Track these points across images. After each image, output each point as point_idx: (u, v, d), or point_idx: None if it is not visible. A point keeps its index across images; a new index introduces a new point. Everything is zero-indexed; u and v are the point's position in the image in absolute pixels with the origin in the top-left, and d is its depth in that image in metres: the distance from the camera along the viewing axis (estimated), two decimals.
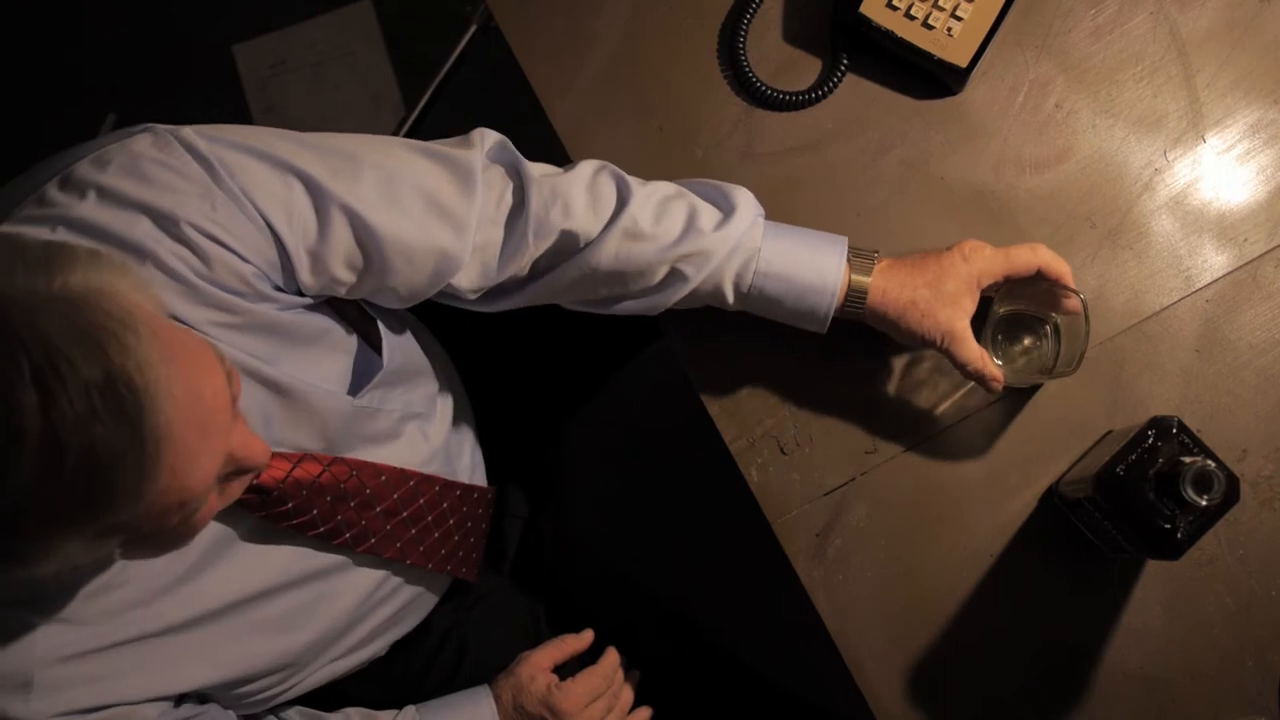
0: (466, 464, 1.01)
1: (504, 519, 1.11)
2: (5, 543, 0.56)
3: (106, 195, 0.70)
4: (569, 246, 0.85)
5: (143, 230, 0.70)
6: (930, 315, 0.85)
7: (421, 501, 0.91)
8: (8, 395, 0.52)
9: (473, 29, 1.67)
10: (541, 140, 1.05)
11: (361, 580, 0.89)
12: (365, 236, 0.79)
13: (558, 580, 1.16)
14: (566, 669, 1.03)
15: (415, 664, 1.04)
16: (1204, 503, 0.74)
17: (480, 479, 1.03)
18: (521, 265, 0.85)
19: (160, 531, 0.62)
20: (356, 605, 0.90)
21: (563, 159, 0.98)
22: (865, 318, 0.87)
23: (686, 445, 1.15)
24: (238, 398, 0.65)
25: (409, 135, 1.74)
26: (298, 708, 0.92)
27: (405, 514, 0.90)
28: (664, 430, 1.66)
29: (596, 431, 1.67)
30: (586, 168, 0.87)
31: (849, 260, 0.86)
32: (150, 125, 0.74)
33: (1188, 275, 0.93)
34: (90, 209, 0.69)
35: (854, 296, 0.86)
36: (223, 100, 1.88)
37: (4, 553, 0.57)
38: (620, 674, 1.05)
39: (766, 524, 0.92)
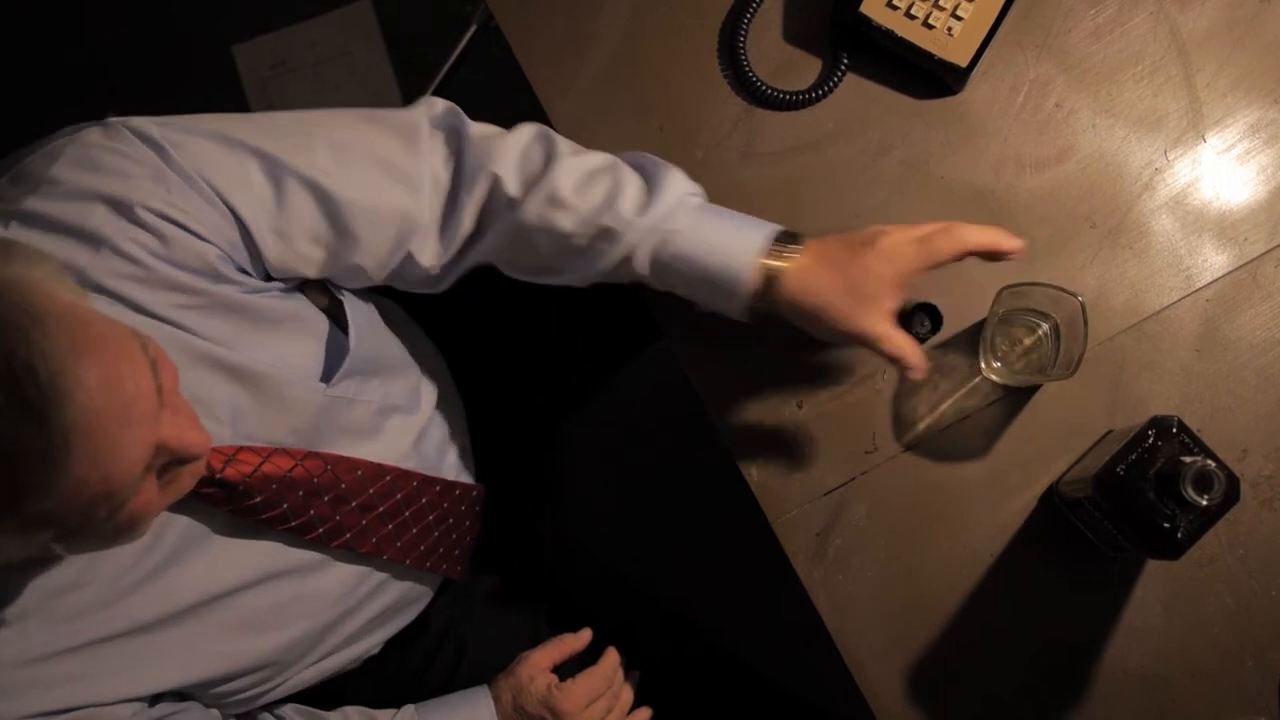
0: (453, 461, 1.00)
1: (502, 518, 1.11)
2: None
3: (57, 186, 0.70)
4: (499, 204, 0.85)
5: (97, 218, 0.70)
6: (847, 320, 0.82)
7: (399, 497, 0.90)
8: None
9: (473, 29, 1.67)
10: None
11: (341, 577, 0.89)
12: (326, 205, 0.80)
13: (557, 580, 1.16)
14: (566, 669, 1.03)
15: (413, 663, 1.04)
16: (1204, 502, 0.74)
17: (466, 476, 1.03)
18: (465, 226, 0.86)
19: (91, 523, 0.62)
20: (337, 602, 0.89)
21: None
22: (780, 311, 0.84)
23: (686, 445, 1.15)
24: (168, 387, 0.64)
25: None
26: (294, 705, 0.92)
27: (381, 509, 0.89)
28: (664, 431, 1.66)
29: (596, 432, 1.67)
30: (525, 131, 0.87)
31: (769, 252, 0.83)
32: (105, 120, 0.75)
33: (1188, 275, 0.93)
34: (41, 202, 0.70)
35: (767, 289, 0.83)
36: (223, 100, 1.88)
37: None
38: (620, 674, 1.05)
39: (766, 524, 0.92)
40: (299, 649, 0.87)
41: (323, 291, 0.88)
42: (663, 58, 1.00)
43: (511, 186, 0.84)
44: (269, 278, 0.81)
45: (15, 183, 0.71)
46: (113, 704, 0.74)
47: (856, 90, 0.98)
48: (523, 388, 1.16)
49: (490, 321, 1.12)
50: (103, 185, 0.71)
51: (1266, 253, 0.93)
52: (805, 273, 0.83)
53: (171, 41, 1.91)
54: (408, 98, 1.86)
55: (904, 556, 0.91)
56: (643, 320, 0.97)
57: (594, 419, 1.41)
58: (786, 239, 0.84)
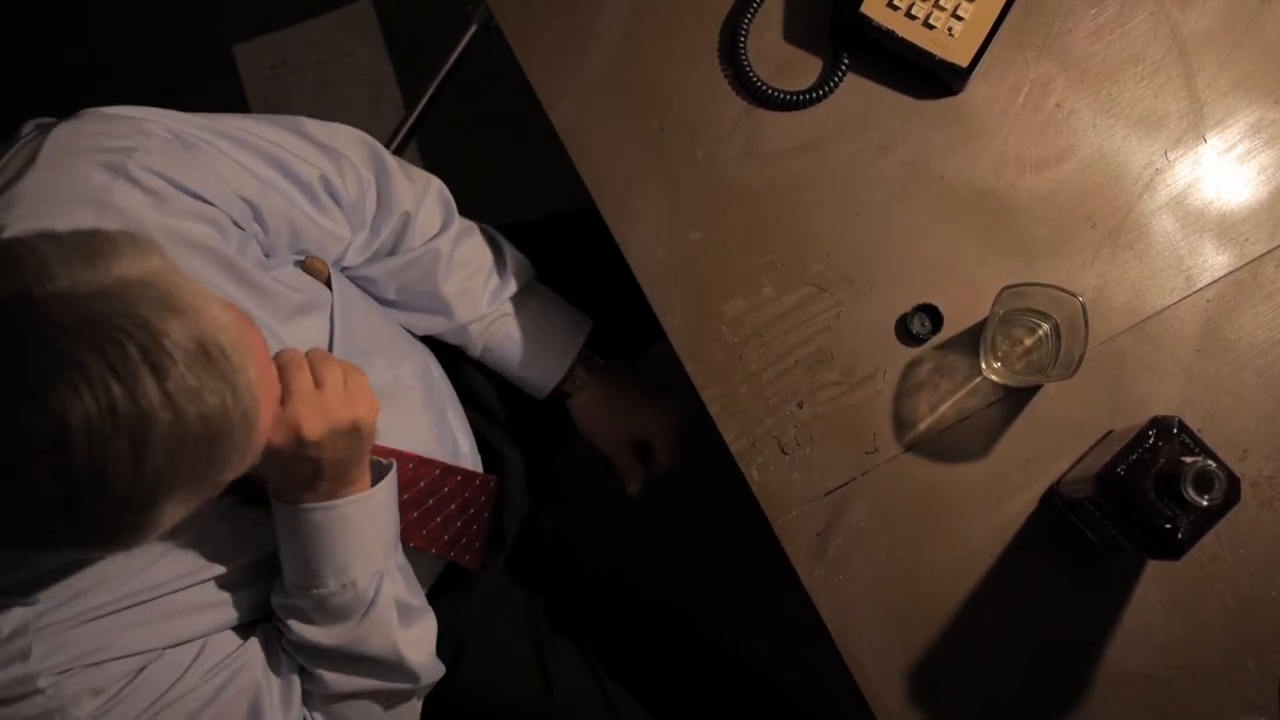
0: (468, 451, 1.01)
1: (503, 513, 1.11)
2: (140, 519, 0.58)
3: (51, 173, 0.73)
4: (404, 239, 0.99)
5: (95, 183, 0.73)
6: (598, 435, 1.12)
7: (422, 485, 0.91)
8: (130, 383, 0.54)
9: (473, 29, 1.67)
10: (541, 140, 1.05)
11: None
12: (290, 175, 0.88)
13: (557, 579, 1.16)
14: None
15: None
16: (1205, 503, 0.74)
17: (479, 466, 1.04)
18: (382, 239, 0.98)
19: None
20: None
21: (563, 159, 0.98)
22: (567, 398, 1.09)
23: (687, 445, 1.15)
24: None
25: (409, 135, 1.74)
26: None
27: (406, 497, 0.90)
28: None
29: None
30: (432, 187, 1.01)
31: (576, 364, 1.06)
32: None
33: (1188, 275, 0.93)
34: (38, 185, 0.72)
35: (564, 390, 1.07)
36: (224, 100, 1.88)
37: (138, 530, 0.59)
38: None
39: (767, 524, 0.92)
40: None
41: (319, 270, 0.91)
42: (663, 58, 1.00)
43: (416, 232, 0.98)
44: (267, 253, 0.85)
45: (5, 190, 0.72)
46: (144, 653, 0.75)
47: (857, 90, 0.97)
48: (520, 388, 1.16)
49: None
50: (92, 158, 0.73)
51: (1267, 253, 0.92)
52: (589, 402, 1.09)
53: (172, 41, 1.91)
54: (408, 97, 1.86)
55: (904, 557, 0.91)
56: (643, 320, 0.97)
57: None
58: (589, 359, 1.08)
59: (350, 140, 0.94)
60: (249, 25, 1.91)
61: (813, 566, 0.91)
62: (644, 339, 1.19)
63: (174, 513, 0.60)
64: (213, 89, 1.90)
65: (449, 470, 0.94)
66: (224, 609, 0.81)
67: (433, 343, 1.06)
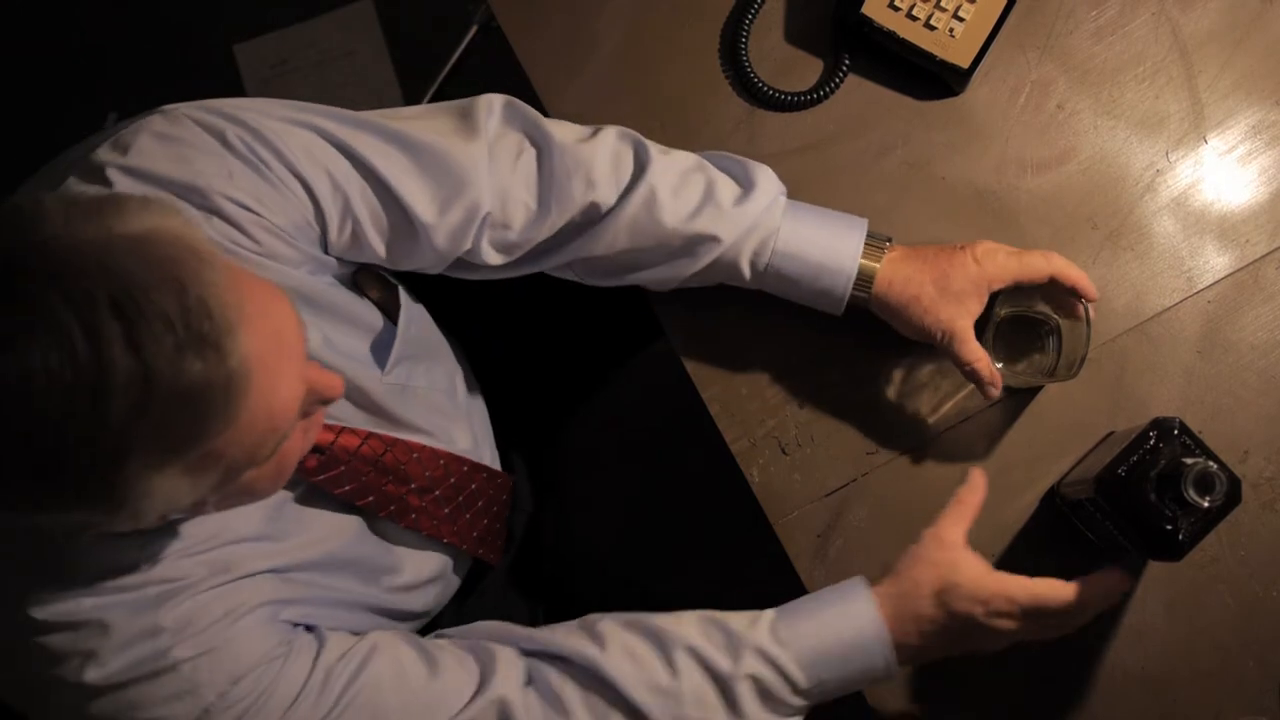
0: (489, 450, 1.02)
1: (512, 513, 1.11)
2: (110, 479, 0.56)
3: (132, 174, 0.71)
4: (591, 216, 0.85)
5: (180, 204, 0.71)
6: (932, 312, 0.84)
7: (452, 481, 0.92)
8: (94, 332, 0.53)
9: (474, 29, 1.67)
10: None
11: (406, 559, 0.90)
12: (387, 196, 0.81)
13: (558, 580, 1.16)
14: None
15: None
16: (1206, 504, 0.74)
17: (498, 465, 1.05)
18: (542, 232, 0.86)
19: (254, 463, 0.62)
20: (387, 578, 0.89)
21: None
22: (870, 304, 0.87)
23: (687, 445, 1.15)
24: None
25: None
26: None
27: (438, 492, 0.91)
28: (664, 431, 1.66)
29: (597, 432, 1.67)
30: (610, 135, 0.87)
31: (865, 251, 0.86)
32: (161, 107, 0.77)
33: (1189, 276, 0.93)
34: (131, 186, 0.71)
35: (861, 283, 0.86)
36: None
37: (110, 491, 0.57)
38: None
39: (767, 524, 0.92)
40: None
41: (376, 280, 0.89)
42: (664, 58, 1.00)
43: (606, 200, 0.85)
44: (327, 259, 0.83)
45: (86, 176, 0.71)
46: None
47: (858, 91, 0.98)
48: (522, 387, 1.16)
49: (490, 321, 1.12)
50: (173, 172, 0.72)
51: (1268, 254, 0.93)
52: (896, 266, 0.85)
53: (173, 41, 1.91)
54: (409, 98, 1.86)
55: None
56: (643, 320, 0.97)
57: (595, 418, 1.41)
58: (877, 236, 0.86)
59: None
60: (249, 25, 1.91)
61: (813, 567, 0.91)
62: (644, 339, 1.19)
63: (162, 484, 0.58)
64: (213, 89, 1.89)
65: (476, 468, 0.96)
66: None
67: (462, 348, 1.06)
